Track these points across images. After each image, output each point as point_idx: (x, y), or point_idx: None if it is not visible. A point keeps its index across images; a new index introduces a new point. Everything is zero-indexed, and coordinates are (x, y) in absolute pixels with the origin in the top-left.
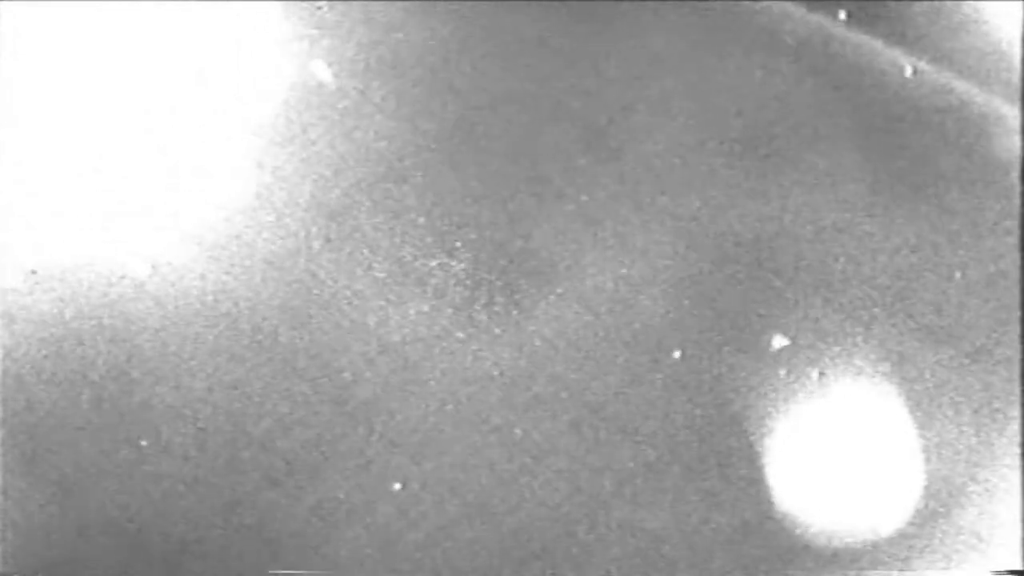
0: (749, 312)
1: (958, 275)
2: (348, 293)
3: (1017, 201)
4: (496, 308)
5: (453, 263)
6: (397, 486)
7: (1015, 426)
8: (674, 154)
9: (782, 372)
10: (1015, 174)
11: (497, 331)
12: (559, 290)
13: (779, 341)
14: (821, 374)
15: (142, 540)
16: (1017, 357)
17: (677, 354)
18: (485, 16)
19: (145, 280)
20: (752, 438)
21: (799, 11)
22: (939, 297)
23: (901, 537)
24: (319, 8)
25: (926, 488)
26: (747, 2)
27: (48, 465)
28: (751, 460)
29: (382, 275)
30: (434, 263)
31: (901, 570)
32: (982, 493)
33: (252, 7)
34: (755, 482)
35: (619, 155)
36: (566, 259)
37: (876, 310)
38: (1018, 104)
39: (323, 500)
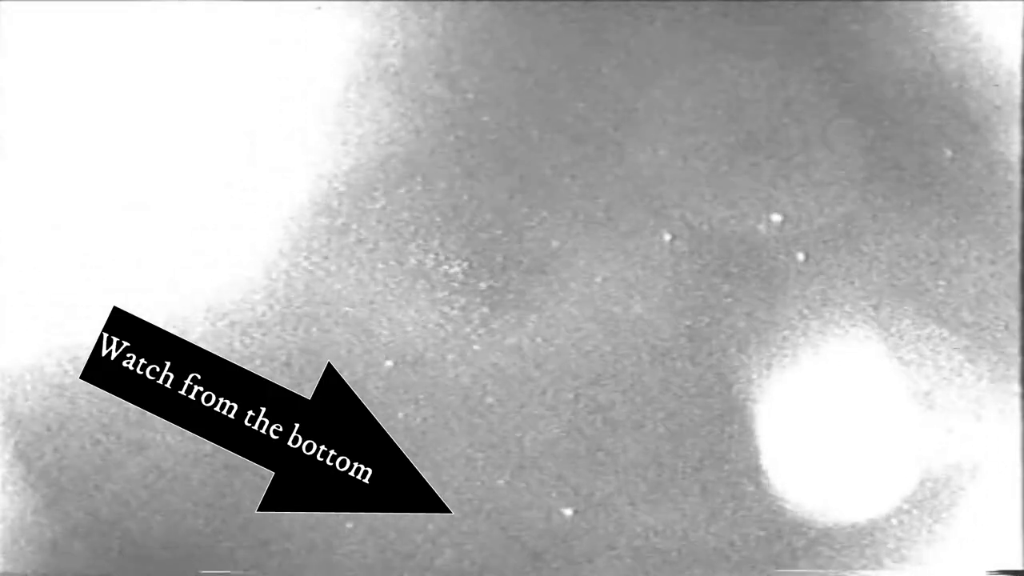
0: (750, 315)
1: (957, 275)
2: (348, 293)
3: (1017, 201)
4: (496, 308)
5: (453, 263)
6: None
7: (1015, 425)
8: (674, 154)
9: (786, 355)
10: (1015, 173)
11: (497, 331)
12: (559, 290)
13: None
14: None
15: (142, 541)
16: (1017, 356)
17: (677, 354)
18: (485, 16)
19: (144, 280)
20: (752, 435)
21: (799, 10)
22: (938, 297)
23: (900, 537)
24: (318, 8)
25: (925, 487)
26: (747, 2)
27: (47, 465)
28: (752, 461)
29: (382, 275)
30: (434, 263)
31: (900, 569)
32: (982, 492)
33: (251, 7)
34: (755, 483)
35: (619, 155)
36: (566, 259)
37: (875, 308)
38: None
39: None
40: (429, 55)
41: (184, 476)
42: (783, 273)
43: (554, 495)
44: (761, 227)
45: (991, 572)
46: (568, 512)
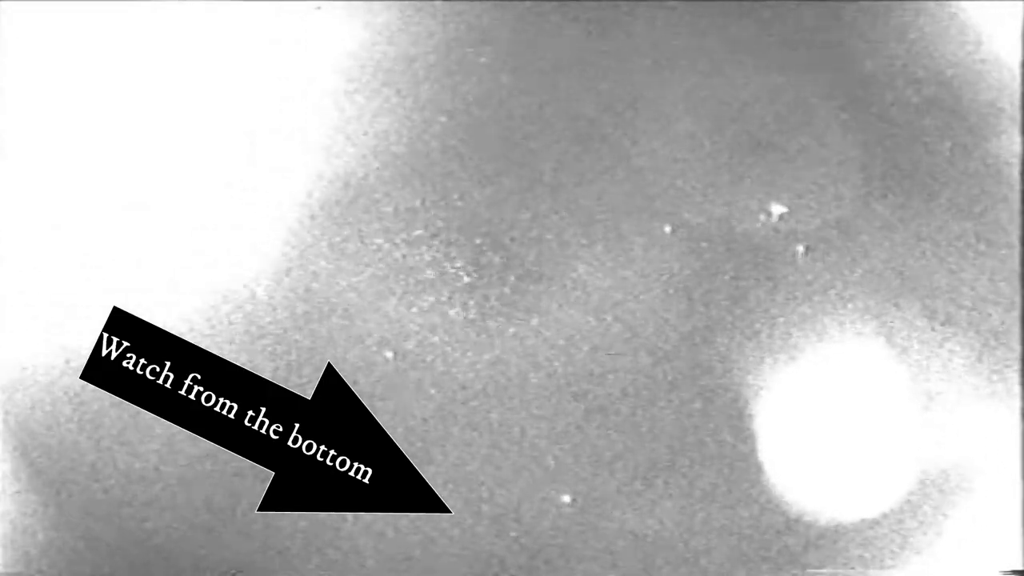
0: (749, 315)
1: (958, 275)
2: (348, 293)
3: (1017, 201)
4: (496, 308)
5: (454, 263)
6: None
7: (1015, 425)
8: (674, 154)
9: (786, 355)
10: (1015, 173)
11: (497, 331)
12: (559, 290)
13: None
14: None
15: (142, 541)
16: (1017, 356)
17: (677, 354)
18: (485, 16)
19: (144, 280)
20: (752, 435)
21: (800, 11)
22: (938, 297)
23: (901, 537)
24: (318, 8)
25: (926, 488)
26: (747, 2)
27: (47, 465)
28: (753, 460)
29: (382, 275)
30: (434, 263)
31: (900, 569)
32: (982, 492)
33: (252, 7)
34: (756, 483)
35: (619, 155)
36: (566, 259)
37: (875, 308)
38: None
39: None
40: (429, 55)
41: (184, 476)
42: (783, 274)
43: (553, 495)
44: (761, 228)
45: (1004, 572)
46: (566, 499)
